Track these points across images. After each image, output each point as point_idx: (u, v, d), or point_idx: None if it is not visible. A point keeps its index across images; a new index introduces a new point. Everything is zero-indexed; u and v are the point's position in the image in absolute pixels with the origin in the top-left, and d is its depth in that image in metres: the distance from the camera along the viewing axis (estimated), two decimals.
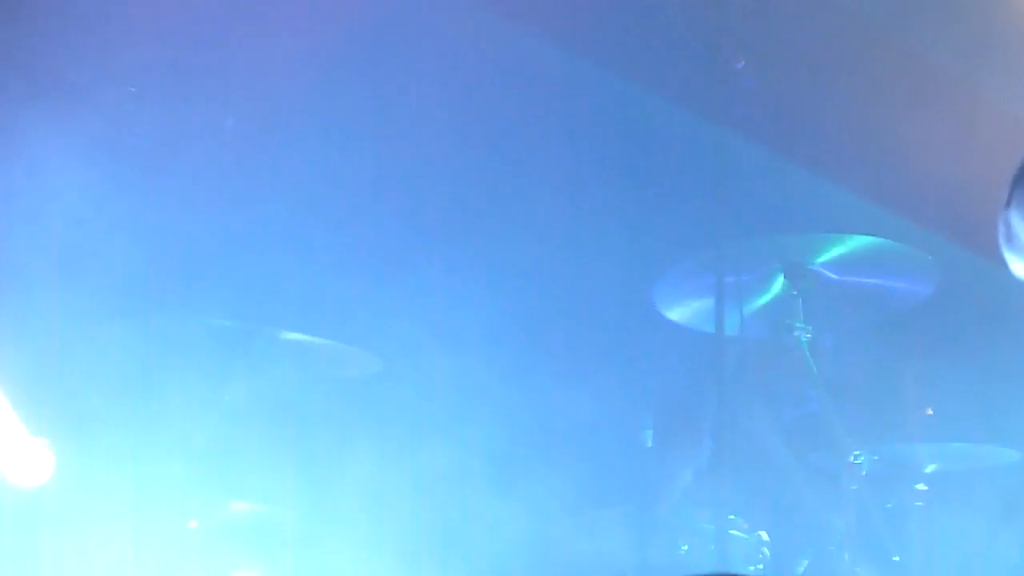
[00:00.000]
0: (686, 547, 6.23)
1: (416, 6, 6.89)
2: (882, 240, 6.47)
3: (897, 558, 6.27)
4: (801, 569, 6.24)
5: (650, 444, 6.98)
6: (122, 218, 6.41)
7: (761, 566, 6.35)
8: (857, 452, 6.41)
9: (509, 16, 7.07)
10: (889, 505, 6.63)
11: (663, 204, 6.96)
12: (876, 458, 6.49)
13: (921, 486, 6.62)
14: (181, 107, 6.62)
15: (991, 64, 6.89)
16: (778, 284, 6.61)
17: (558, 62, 7.15)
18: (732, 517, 6.29)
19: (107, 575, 6.45)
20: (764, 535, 6.25)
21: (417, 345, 6.81)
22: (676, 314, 6.78)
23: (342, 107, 6.90)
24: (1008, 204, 3.44)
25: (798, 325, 6.53)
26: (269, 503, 6.61)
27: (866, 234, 6.47)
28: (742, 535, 6.23)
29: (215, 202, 6.60)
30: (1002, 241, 3.51)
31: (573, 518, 6.50)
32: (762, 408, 6.70)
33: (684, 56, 6.88)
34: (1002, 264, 6.65)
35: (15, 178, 6.32)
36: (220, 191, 6.58)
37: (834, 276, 6.56)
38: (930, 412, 6.80)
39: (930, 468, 6.60)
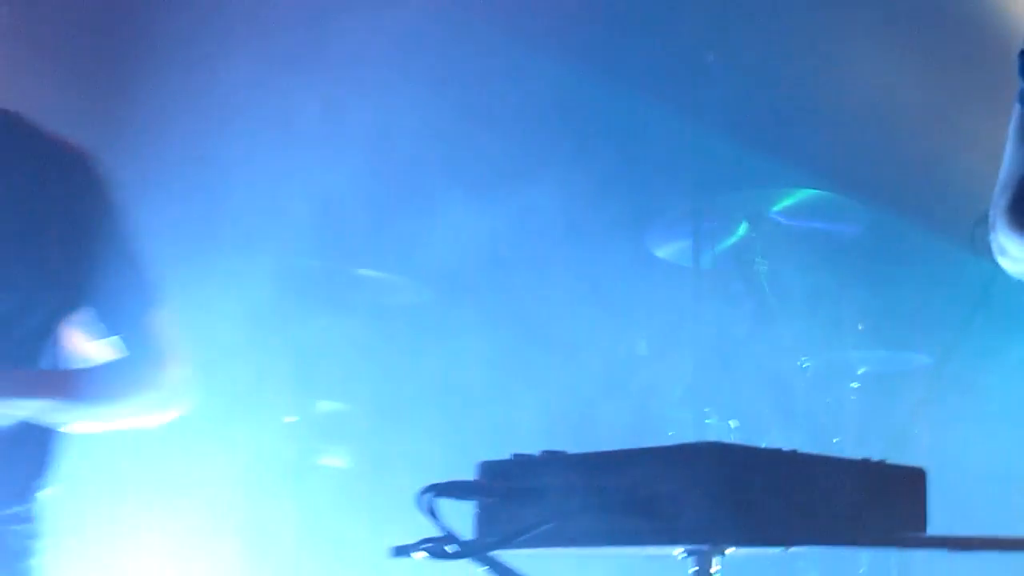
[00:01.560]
0: (672, 433, 6.31)
1: None
2: (822, 192, 6.50)
3: (836, 440, 6.33)
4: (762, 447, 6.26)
5: (643, 353, 7.03)
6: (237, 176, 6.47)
7: None
8: (804, 358, 6.52)
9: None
10: (829, 400, 6.65)
11: (655, 169, 6.94)
12: (818, 363, 6.59)
13: (854, 384, 6.71)
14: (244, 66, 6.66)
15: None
16: (742, 228, 6.64)
17: (561, 61, 7.15)
18: (707, 410, 6.32)
19: (224, 458, 6.54)
20: (732, 423, 6.31)
21: (459, 279, 6.81)
22: (663, 252, 6.83)
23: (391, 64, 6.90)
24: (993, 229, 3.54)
25: (757, 259, 6.58)
26: (348, 402, 6.69)
27: (810, 188, 6.52)
28: (715, 424, 6.28)
29: (307, 162, 6.62)
30: (995, 253, 3.60)
31: (581, 411, 6.56)
32: (729, 325, 6.70)
33: (665, 55, 6.93)
34: (914, 214, 6.72)
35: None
36: (310, 152, 6.61)
37: (785, 221, 6.60)
38: (861, 326, 6.84)
39: (861, 370, 6.70)
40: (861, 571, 6.38)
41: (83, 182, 3.57)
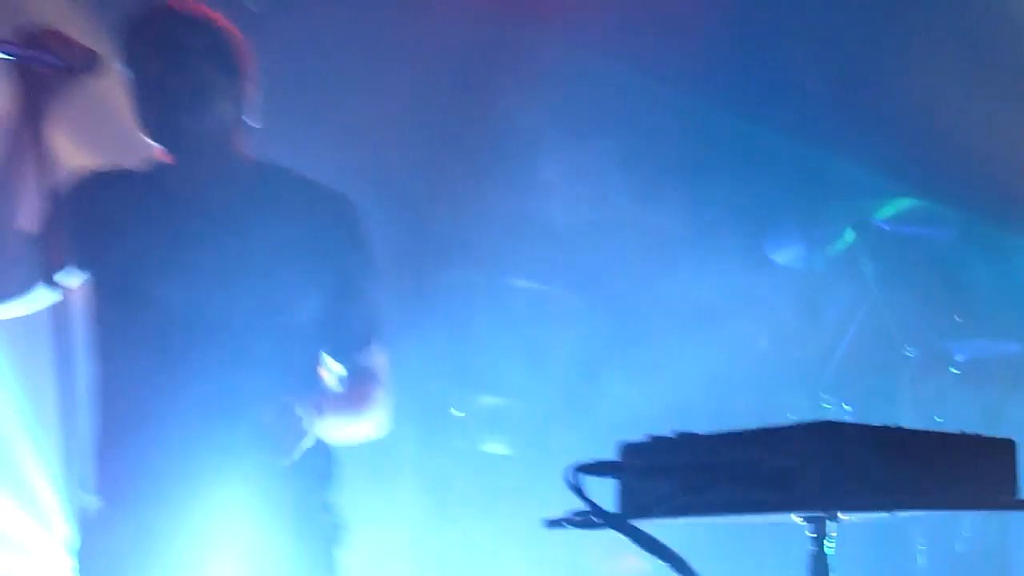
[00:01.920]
0: (792, 416, 6.21)
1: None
2: (920, 201, 6.44)
3: (938, 420, 6.27)
4: None
5: (765, 346, 6.96)
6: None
7: None
8: (908, 348, 6.44)
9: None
10: (931, 384, 6.51)
11: (773, 184, 6.91)
12: (921, 352, 6.49)
13: (954, 370, 6.61)
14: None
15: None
16: (849, 234, 6.54)
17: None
18: (823, 395, 6.30)
19: (403, 447, 6.52)
20: (846, 406, 6.28)
21: (601, 288, 6.79)
22: (779, 257, 6.77)
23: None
24: None
25: (864, 262, 6.46)
26: (507, 396, 6.66)
27: (909, 197, 6.46)
28: (831, 407, 6.25)
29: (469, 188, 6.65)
30: None
31: (711, 399, 6.42)
32: (841, 320, 6.65)
33: (776, 84, 6.86)
34: (1002, 216, 6.64)
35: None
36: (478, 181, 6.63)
37: (887, 227, 6.48)
38: (958, 318, 6.76)
39: (959, 357, 6.61)
40: (965, 535, 6.35)
41: (336, 221, 3.68)
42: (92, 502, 3.55)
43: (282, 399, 3.41)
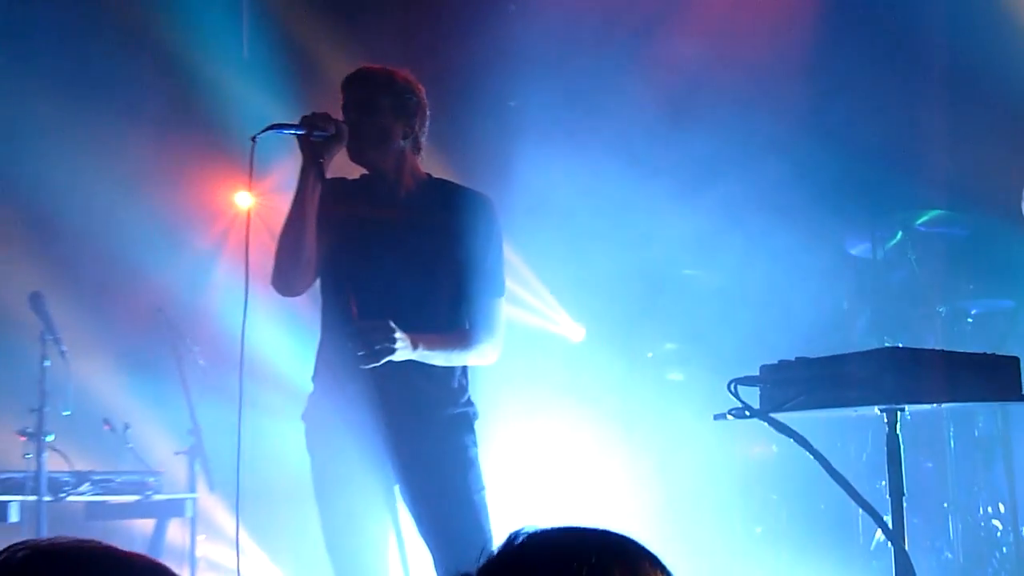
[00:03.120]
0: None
1: None
2: (944, 211, 7.03)
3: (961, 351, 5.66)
4: None
5: (846, 307, 7.46)
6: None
7: None
8: (939, 306, 6.87)
9: None
10: (955, 330, 6.82)
11: (850, 203, 7.32)
12: (947, 308, 6.89)
13: (969, 320, 6.84)
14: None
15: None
16: (899, 235, 7.17)
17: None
18: (885, 337, 6.75)
19: (612, 376, 7.67)
20: (900, 345, 5.27)
21: (738, 272, 7.43)
22: (855, 251, 7.43)
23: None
24: None
25: (908, 252, 7.10)
26: (682, 343, 7.54)
27: (937, 209, 7.03)
28: (889, 344, 6.40)
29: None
30: None
31: (812, 341, 6.61)
32: (895, 287, 7.14)
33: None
34: (1003, 216, 6.28)
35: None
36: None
37: (924, 229, 7.12)
38: (972, 286, 7.01)
39: (973, 311, 6.88)
40: (980, 425, 6.68)
41: (477, 212, 3.93)
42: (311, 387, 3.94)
43: (385, 321, 3.61)
